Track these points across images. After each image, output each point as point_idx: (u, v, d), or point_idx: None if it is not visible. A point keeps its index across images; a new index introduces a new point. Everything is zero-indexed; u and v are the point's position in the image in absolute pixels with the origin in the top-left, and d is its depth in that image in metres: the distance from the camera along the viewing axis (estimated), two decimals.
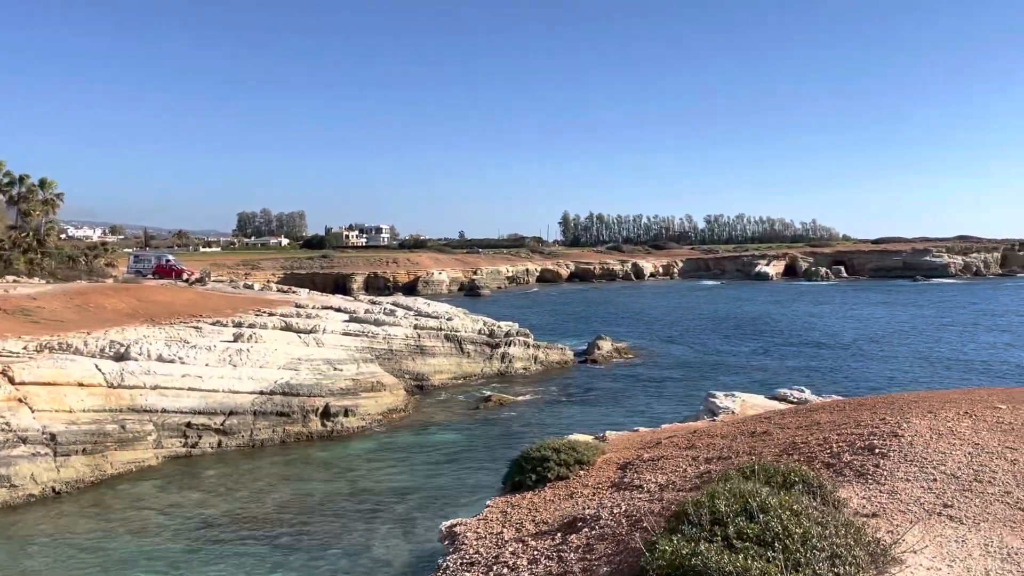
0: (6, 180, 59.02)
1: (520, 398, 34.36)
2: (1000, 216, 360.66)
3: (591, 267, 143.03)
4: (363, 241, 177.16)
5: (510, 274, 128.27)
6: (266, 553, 17.30)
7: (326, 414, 28.89)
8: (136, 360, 26.50)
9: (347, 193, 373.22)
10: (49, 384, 23.48)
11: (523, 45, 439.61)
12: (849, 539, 4.15)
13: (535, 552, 6.29)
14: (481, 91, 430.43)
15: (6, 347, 25.09)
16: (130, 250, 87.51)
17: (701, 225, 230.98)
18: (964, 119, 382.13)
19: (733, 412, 14.48)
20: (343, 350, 33.64)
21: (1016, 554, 4.80)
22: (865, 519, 5.21)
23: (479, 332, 41.24)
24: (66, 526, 19.28)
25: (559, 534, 6.75)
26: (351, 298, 52.73)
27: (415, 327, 39.07)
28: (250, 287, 61.27)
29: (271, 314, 37.24)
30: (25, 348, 25.60)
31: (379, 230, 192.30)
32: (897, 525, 5.21)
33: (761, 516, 4.20)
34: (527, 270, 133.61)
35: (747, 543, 3.99)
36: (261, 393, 27.95)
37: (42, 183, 60.59)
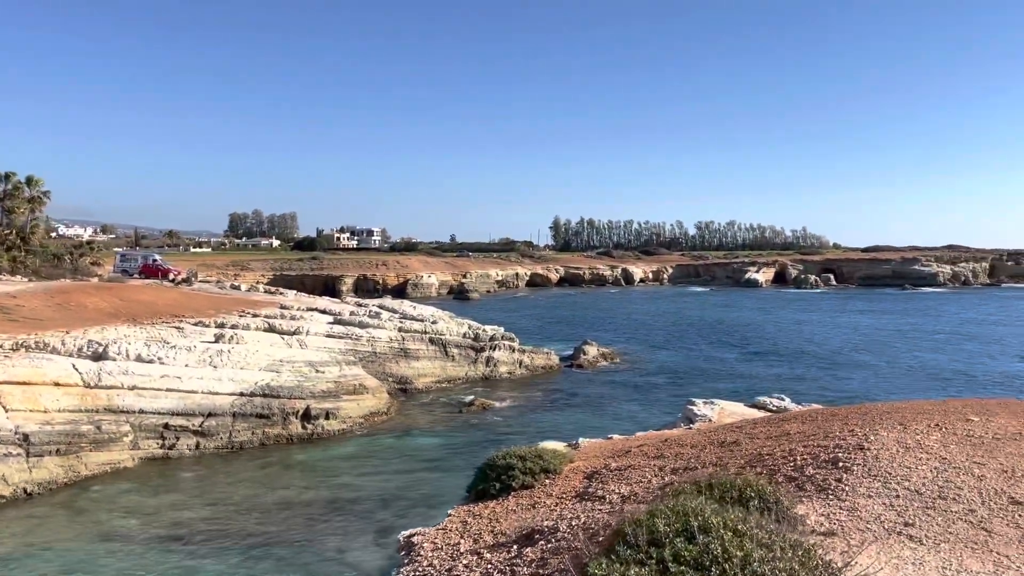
0: None
1: (503, 403, 34.14)
2: (989, 226, 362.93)
3: (581, 272, 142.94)
4: (354, 243, 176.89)
5: (499, 278, 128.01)
6: (235, 559, 17.01)
7: (307, 416, 28.59)
8: (114, 360, 26.17)
9: (340, 196, 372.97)
10: (24, 383, 23.12)
11: (516, 49, 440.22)
12: (795, 563, 3.96)
13: (488, 566, 6.11)
14: (475, 95, 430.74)
15: None
16: (120, 249, 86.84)
17: (692, 231, 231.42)
18: (955, 129, 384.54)
19: (710, 420, 14.32)
20: (326, 352, 33.38)
21: None
22: (820, 538, 5.04)
23: (464, 335, 41.02)
24: (35, 528, 18.94)
25: (515, 546, 6.56)
26: (338, 300, 52.40)
27: (400, 330, 38.82)
28: (237, 288, 60.86)
29: (255, 315, 36.90)
30: (0, 347, 25.20)
31: (370, 233, 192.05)
32: (853, 545, 5.04)
33: (701, 537, 4.01)
34: (517, 274, 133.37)
35: (683, 567, 3.79)
36: (241, 395, 27.63)
37: (28, 180, 60.01)
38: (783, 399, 17.81)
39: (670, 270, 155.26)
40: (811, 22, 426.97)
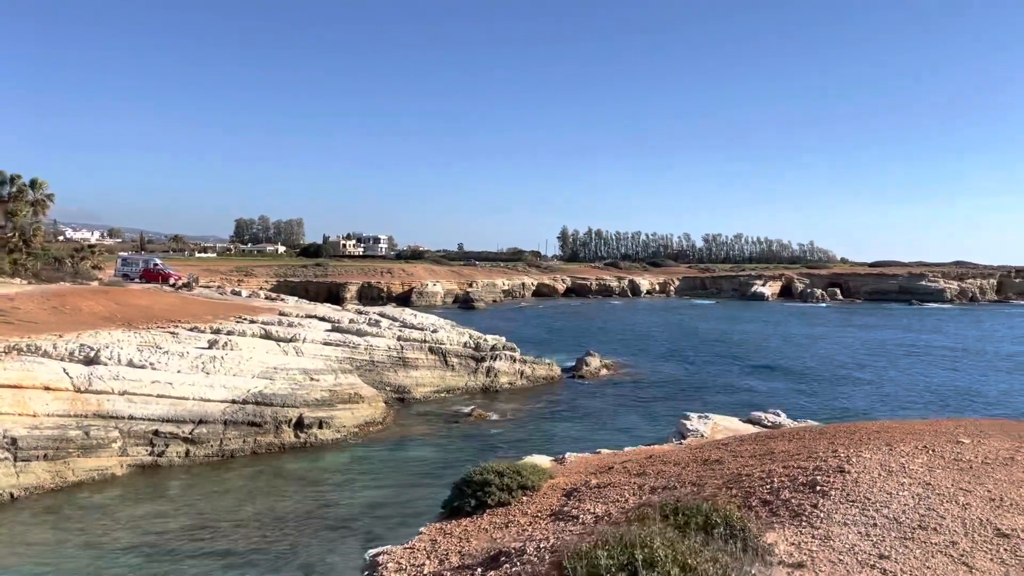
0: None
1: (501, 414, 33.77)
2: (997, 243, 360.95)
3: (587, 282, 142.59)
4: (360, 251, 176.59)
5: (506, 287, 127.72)
6: (215, 570, 16.68)
7: (299, 425, 28.28)
8: (106, 365, 25.94)
9: (348, 203, 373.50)
10: (14, 387, 22.89)
11: (526, 59, 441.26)
12: None
13: None
14: (485, 104, 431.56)
15: None
16: (125, 253, 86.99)
17: (699, 244, 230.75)
18: (964, 145, 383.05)
19: (702, 435, 13.97)
20: (322, 360, 33.09)
21: None
22: (788, 570, 4.70)
23: (464, 345, 40.70)
24: (18, 534, 18.67)
25: (480, 569, 6.23)
26: (338, 307, 52.17)
27: (399, 338, 38.52)
28: (238, 293, 60.81)
29: (252, 321, 36.68)
30: None
31: (377, 240, 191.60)
32: None
33: (644, 573, 3.69)
34: (523, 284, 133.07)
35: None
36: (233, 402, 27.33)
37: (33, 183, 60.08)
38: (779, 415, 17.42)
39: (677, 282, 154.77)
40: (820, 40, 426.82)
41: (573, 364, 46.36)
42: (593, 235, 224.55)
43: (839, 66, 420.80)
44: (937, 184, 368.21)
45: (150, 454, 24.98)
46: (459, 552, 7.09)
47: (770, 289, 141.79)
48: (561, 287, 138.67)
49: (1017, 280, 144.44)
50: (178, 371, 27.40)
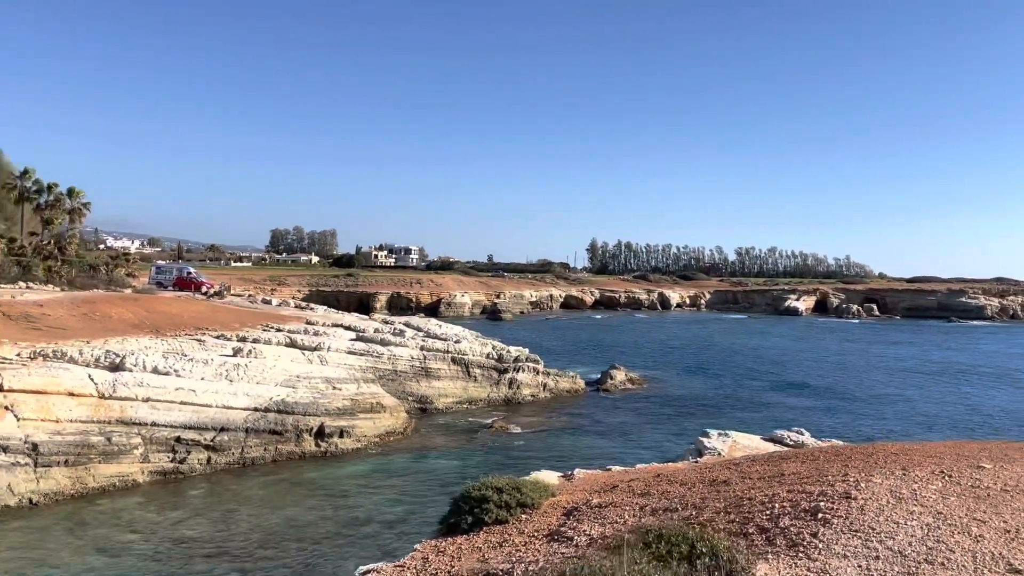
0: (34, 188, 60.00)
1: (522, 427, 33.47)
2: None
3: (616, 295, 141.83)
4: (391, 261, 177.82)
5: (533, 299, 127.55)
6: None
7: (320, 434, 28.27)
8: (130, 371, 26.14)
9: (381, 214, 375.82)
10: (39, 392, 23.15)
11: (557, 69, 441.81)
12: None
13: None
14: (516, 115, 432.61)
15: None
16: (162, 262, 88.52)
17: (732, 257, 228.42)
18: (1006, 160, 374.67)
19: (720, 453, 13.57)
20: (345, 369, 33.12)
21: None
22: None
23: (487, 356, 40.50)
24: (35, 540, 18.78)
25: None
26: (365, 317, 52.31)
27: (422, 348, 38.45)
28: (268, 302, 61.27)
29: (278, 330, 36.87)
30: (19, 355, 25.35)
31: (408, 251, 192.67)
32: None
33: None
34: (551, 296, 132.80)
35: None
36: (255, 410, 27.42)
37: (70, 192, 61.44)
38: (802, 433, 16.92)
39: (708, 296, 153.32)
40: (858, 50, 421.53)
41: (598, 377, 45.95)
42: (623, 247, 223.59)
43: (878, 76, 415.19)
44: (978, 198, 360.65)
45: (171, 461, 25.10)
46: (448, 572, 6.85)
47: (804, 304, 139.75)
48: (589, 299, 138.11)
49: None
50: (202, 378, 27.54)
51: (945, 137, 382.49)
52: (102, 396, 24.47)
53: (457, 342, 40.87)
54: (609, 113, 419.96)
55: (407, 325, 45.19)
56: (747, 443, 15.23)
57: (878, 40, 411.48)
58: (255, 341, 33.15)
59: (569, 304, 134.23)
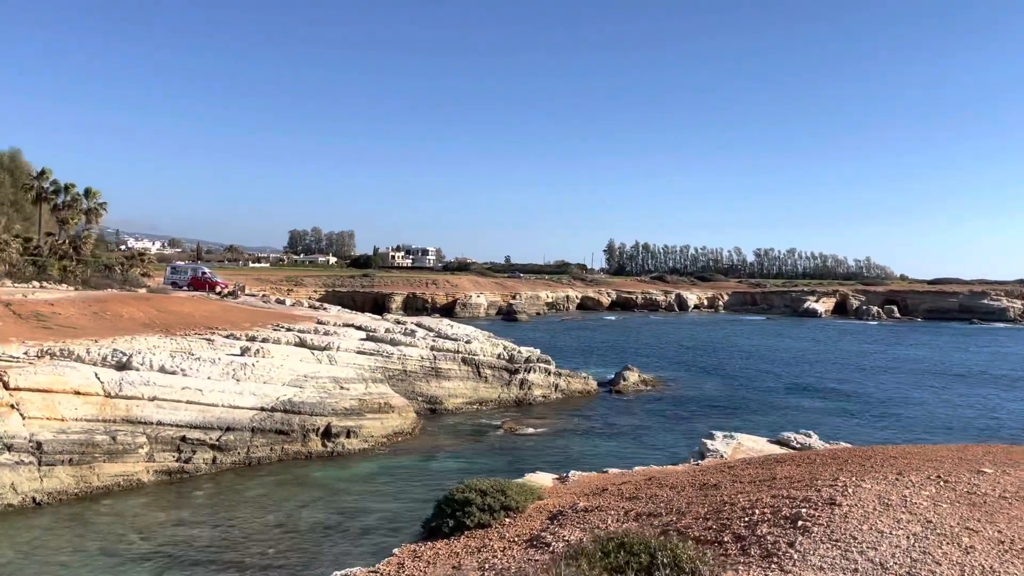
0: (51, 188, 60.49)
1: (532, 428, 33.17)
2: None
3: (633, 296, 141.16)
4: (409, 262, 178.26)
5: (549, 300, 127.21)
6: None
7: (327, 434, 28.14)
8: (137, 370, 26.13)
9: (399, 215, 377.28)
10: (44, 391, 23.16)
11: (576, 68, 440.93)
12: None
13: None
14: (534, 116, 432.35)
15: (7, 351, 24.93)
16: (180, 262, 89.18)
17: (750, 258, 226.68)
18: None
19: (722, 456, 13.21)
20: (354, 369, 32.97)
21: None
22: None
23: (498, 357, 40.24)
24: (37, 539, 18.73)
25: None
26: (377, 317, 52.20)
27: (432, 348, 38.25)
28: (282, 302, 61.42)
29: (288, 329, 36.80)
30: (26, 353, 25.41)
31: (425, 252, 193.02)
32: None
33: None
34: (567, 297, 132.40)
35: None
36: (262, 409, 27.33)
37: (87, 192, 61.88)
38: (810, 435, 16.50)
39: (726, 297, 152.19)
40: (875, 49, 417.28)
41: (611, 378, 45.56)
42: (640, 248, 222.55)
43: (899, 74, 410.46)
44: (1002, 199, 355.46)
45: (177, 460, 25.03)
46: None
47: (823, 306, 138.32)
48: (606, 300, 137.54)
49: None
50: (208, 377, 27.49)
51: (969, 136, 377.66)
52: (108, 395, 24.45)
53: (468, 342, 40.64)
54: (629, 114, 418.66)
55: (419, 325, 45.04)
56: (752, 445, 14.85)
57: (899, 35, 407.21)
58: (264, 341, 33.07)
59: (585, 305, 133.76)
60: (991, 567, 4.92)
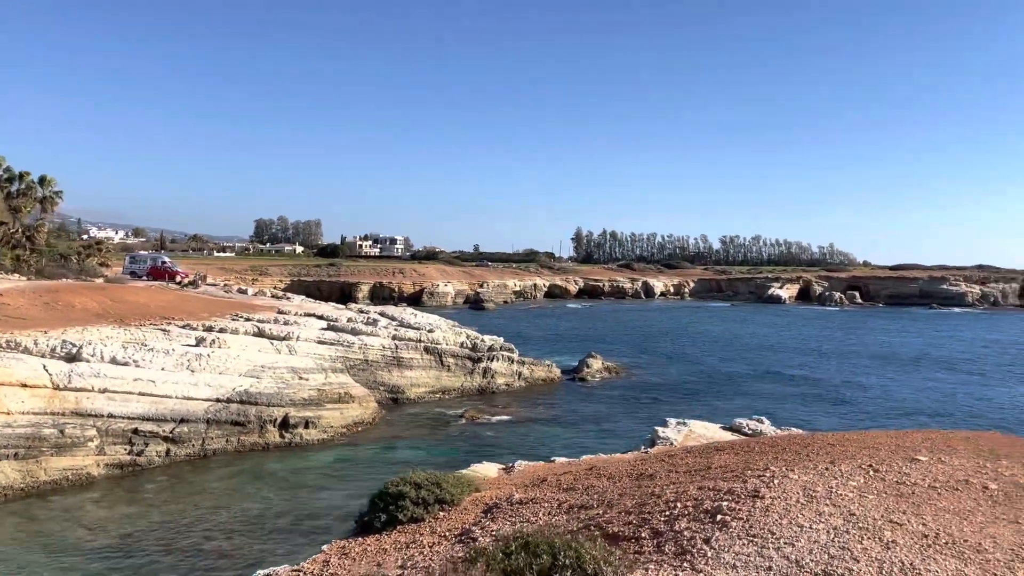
0: (5, 176, 58.79)
1: (494, 416, 33.06)
2: (1022, 245, 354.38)
3: (600, 284, 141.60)
4: (376, 251, 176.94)
5: (517, 288, 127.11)
6: None
7: (285, 425, 27.75)
8: (87, 362, 25.48)
9: (367, 205, 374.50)
10: None
11: (542, 57, 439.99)
12: None
13: None
14: (502, 104, 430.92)
15: None
16: (144, 252, 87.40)
17: (716, 246, 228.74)
18: (989, 148, 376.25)
19: (673, 443, 13.17)
20: (313, 359, 32.53)
21: None
22: None
23: (461, 345, 40.02)
24: None
25: None
26: (341, 307, 51.66)
27: (394, 338, 37.91)
28: (244, 292, 60.59)
29: (247, 319, 36.22)
30: None
31: (393, 241, 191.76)
32: None
33: None
34: (535, 285, 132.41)
35: None
36: (217, 400, 26.84)
37: (41, 180, 60.23)
38: (762, 421, 16.54)
39: (692, 284, 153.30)
40: (838, 39, 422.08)
41: (575, 366, 45.58)
42: (608, 236, 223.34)
43: (862, 64, 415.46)
44: (963, 187, 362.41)
45: (129, 453, 24.50)
46: None
47: (787, 292, 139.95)
48: (573, 288, 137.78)
49: None
50: (162, 368, 26.94)
51: (929, 126, 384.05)
52: (57, 387, 23.80)
53: (431, 331, 40.36)
54: (599, 102, 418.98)
55: (382, 314, 44.67)
56: (703, 432, 14.83)
57: (861, 26, 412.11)
58: (221, 331, 32.47)
59: (553, 293, 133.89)
60: (911, 564, 4.83)
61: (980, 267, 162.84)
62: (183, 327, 33.03)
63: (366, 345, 36.19)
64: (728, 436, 14.39)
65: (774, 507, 5.77)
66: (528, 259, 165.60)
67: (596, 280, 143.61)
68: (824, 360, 54.67)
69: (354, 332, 37.10)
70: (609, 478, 8.04)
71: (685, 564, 4.88)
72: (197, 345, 29.55)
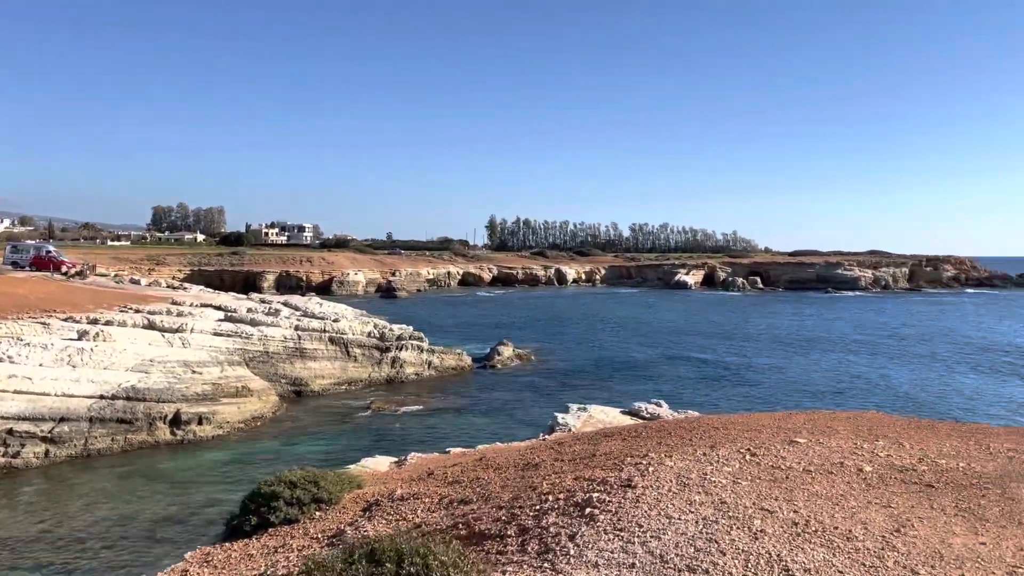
0: None
1: (402, 406, 32.46)
2: (910, 232, 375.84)
3: (514, 271, 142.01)
4: (284, 239, 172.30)
5: (431, 276, 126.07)
6: None
7: (176, 421, 26.42)
8: None
9: (275, 192, 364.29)
10: None
11: (457, 48, 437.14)
12: None
13: None
14: (414, 93, 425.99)
15: None
16: (29, 241, 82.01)
17: (626, 233, 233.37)
18: (882, 140, 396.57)
19: (571, 429, 13.02)
20: (209, 351, 31.13)
21: None
22: None
23: (368, 335, 39.14)
24: None
25: None
26: (241, 297, 49.83)
27: (296, 328, 36.73)
28: (136, 282, 57.82)
29: (136, 311, 34.40)
30: None
31: (302, 229, 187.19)
32: None
33: None
34: (449, 273, 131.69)
35: None
36: (101, 397, 25.29)
37: None
38: (660, 405, 16.64)
39: (603, 271, 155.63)
40: (749, 35, 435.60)
41: (485, 354, 45.34)
42: (521, 224, 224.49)
43: (762, 56, 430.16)
44: (857, 176, 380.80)
45: (3, 455, 22.80)
46: None
47: (693, 278, 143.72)
48: (487, 276, 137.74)
49: (928, 269, 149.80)
50: (40, 364, 25.19)
51: (825, 118, 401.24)
52: None
53: (336, 321, 39.32)
54: (509, 92, 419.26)
55: (285, 304, 43.34)
56: (603, 417, 14.76)
57: (763, 21, 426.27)
58: (108, 323, 30.65)
59: (467, 281, 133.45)
60: (779, 555, 4.66)
61: (873, 252, 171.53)
62: (65, 320, 31.05)
63: (266, 336, 34.91)
64: (627, 420, 14.36)
65: (645, 497, 5.54)
66: (442, 247, 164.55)
67: (510, 268, 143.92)
68: (727, 344, 56.23)
69: (253, 323, 35.75)
70: (496, 469, 7.72)
71: (546, 565, 4.55)
72: (80, 339, 27.79)
